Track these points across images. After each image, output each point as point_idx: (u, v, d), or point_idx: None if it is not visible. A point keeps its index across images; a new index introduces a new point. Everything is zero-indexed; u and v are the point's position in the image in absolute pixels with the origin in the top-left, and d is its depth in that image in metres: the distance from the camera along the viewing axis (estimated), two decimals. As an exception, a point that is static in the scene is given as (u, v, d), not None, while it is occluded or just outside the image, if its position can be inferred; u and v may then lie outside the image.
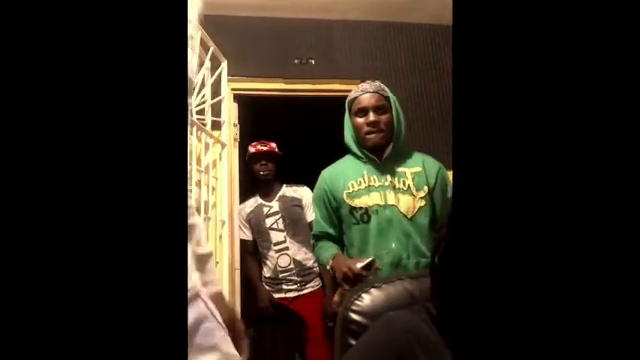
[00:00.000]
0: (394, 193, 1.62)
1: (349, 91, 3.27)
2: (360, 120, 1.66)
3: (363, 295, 0.64)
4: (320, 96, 2.99)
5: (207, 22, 2.39)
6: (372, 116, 1.64)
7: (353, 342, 0.60)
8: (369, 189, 1.63)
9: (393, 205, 1.60)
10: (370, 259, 1.48)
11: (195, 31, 0.96)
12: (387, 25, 3.10)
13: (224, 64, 2.52)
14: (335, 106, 3.19)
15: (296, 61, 2.93)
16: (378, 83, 1.73)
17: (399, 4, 2.90)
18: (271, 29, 2.94)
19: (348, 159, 1.74)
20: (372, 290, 0.64)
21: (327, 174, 1.76)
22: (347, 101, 1.73)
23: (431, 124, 2.97)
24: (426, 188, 1.64)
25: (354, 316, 0.63)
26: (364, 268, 1.46)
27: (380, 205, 1.61)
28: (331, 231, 1.71)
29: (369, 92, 1.67)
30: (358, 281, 1.45)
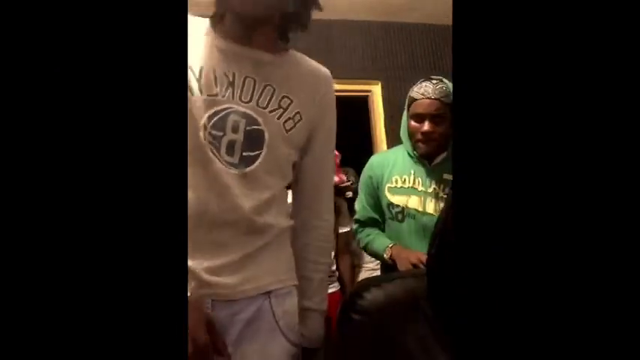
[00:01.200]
0: (435, 201, 1.54)
1: (348, 91, 3.28)
2: (415, 125, 1.55)
3: (364, 293, 0.64)
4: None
5: (206, 22, 2.40)
6: (427, 125, 1.51)
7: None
8: (411, 190, 1.57)
9: (431, 214, 1.53)
10: None
11: None
12: (386, 25, 3.11)
13: (224, 65, 2.52)
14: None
15: (296, 62, 2.93)
16: (443, 86, 1.57)
17: (398, 4, 2.91)
18: (271, 29, 2.94)
19: (400, 150, 1.65)
20: (373, 289, 0.64)
21: (376, 161, 1.69)
22: (408, 96, 1.61)
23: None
24: None
25: (355, 316, 0.63)
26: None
27: (418, 211, 1.54)
28: (377, 217, 1.66)
29: (430, 99, 1.52)
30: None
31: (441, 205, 1.52)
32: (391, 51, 3.09)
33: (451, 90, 1.56)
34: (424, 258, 1.37)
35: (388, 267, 1.57)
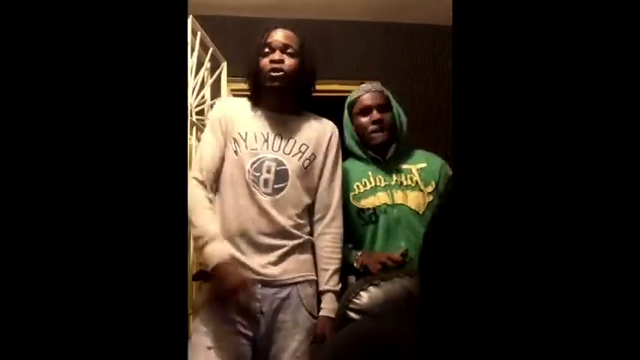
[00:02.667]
0: (401, 191, 1.62)
1: (348, 91, 3.27)
2: (364, 119, 1.66)
3: (362, 293, 0.65)
4: (319, 96, 2.99)
5: (207, 22, 2.40)
6: (376, 114, 1.64)
7: (352, 340, 0.62)
8: (375, 189, 1.63)
9: (401, 204, 1.60)
10: (405, 248, 1.50)
11: None
12: (386, 26, 3.10)
13: (224, 65, 2.52)
14: (334, 106, 3.20)
15: (295, 62, 2.94)
16: (376, 83, 1.74)
17: (398, 4, 2.91)
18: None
19: (349, 162, 1.73)
20: (371, 288, 0.65)
21: None
22: (347, 103, 1.73)
23: (430, 125, 2.97)
24: (433, 183, 1.64)
25: (353, 315, 0.64)
26: (402, 255, 1.48)
27: (388, 205, 1.61)
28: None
29: (372, 91, 1.68)
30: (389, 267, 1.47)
31: (408, 193, 1.60)
32: (391, 51, 3.09)
33: (382, 87, 1.72)
34: (394, 256, 1.47)
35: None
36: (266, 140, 1.44)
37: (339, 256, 1.49)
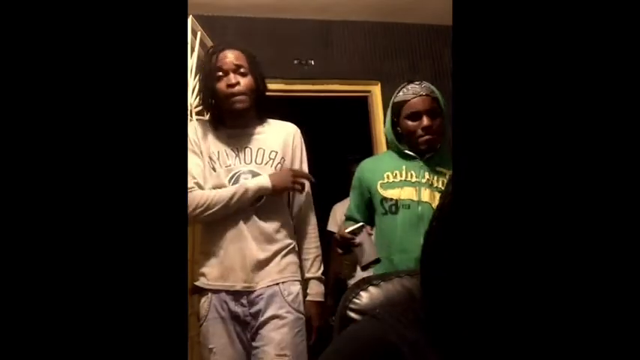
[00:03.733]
0: (430, 191, 1.61)
1: (348, 91, 3.28)
2: (412, 124, 1.63)
3: (362, 292, 0.65)
4: (319, 96, 2.99)
5: (206, 22, 2.40)
6: (426, 121, 1.60)
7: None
8: (403, 182, 1.64)
9: (426, 202, 1.59)
10: (360, 224, 1.53)
11: None
12: (386, 26, 3.11)
13: (224, 65, 2.51)
14: (334, 106, 3.20)
15: (295, 62, 2.94)
16: (427, 84, 1.68)
17: (398, 4, 2.91)
18: (271, 30, 2.95)
19: (388, 154, 1.75)
20: (370, 288, 0.65)
21: (366, 164, 1.78)
22: (393, 103, 1.69)
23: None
24: None
25: (353, 315, 0.64)
26: (352, 232, 1.51)
27: (413, 200, 1.61)
28: (358, 217, 1.72)
29: (422, 95, 1.63)
30: (347, 245, 1.54)
31: (436, 194, 1.59)
32: (391, 51, 3.09)
33: (433, 87, 1.69)
34: (342, 231, 1.53)
35: None
36: (237, 155, 1.54)
37: (317, 244, 1.64)
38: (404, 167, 1.65)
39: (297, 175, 1.54)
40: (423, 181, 1.62)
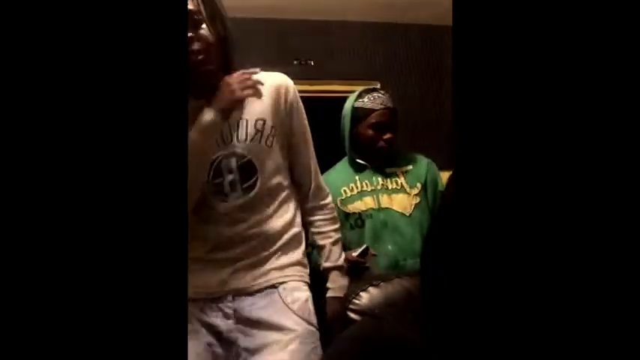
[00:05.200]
0: (387, 195, 1.65)
1: (348, 91, 3.27)
2: (373, 133, 1.65)
3: (362, 293, 0.65)
4: (319, 97, 2.99)
5: (206, 23, 2.40)
6: (388, 135, 1.64)
7: (352, 340, 0.61)
8: (361, 194, 1.66)
9: (387, 208, 1.63)
10: (364, 246, 1.52)
11: None
12: (386, 26, 3.11)
13: (223, 65, 2.52)
14: (334, 106, 3.20)
15: (295, 62, 2.94)
16: (388, 97, 1.71)
17: (398, 4, 2.91)
18: (271, 30, 2.95)
19: (339, 166, 1.76)
20: (370, 289, 0.65)
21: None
22: (354, 107, 1.69)
23: (430, 125, 2.97)
24: (419, 185, 1.67)
25: (353, 316, 0.64)
26: (359, 255, 1.49)
27: (374, 209, 1.64)
28: None
29: (389, 108, 1.67)
30: (357, 270, 1.49)
31: (393, 196, 1.63)
32: (391, 52, 3.09)
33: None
34: (349, 255, 1.47)
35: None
36: (220, 133, 1.09)
37: (335, 226, 1.28)
38: (357, 179, 1.68)
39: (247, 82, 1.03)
40: (379, 187, 1.66)
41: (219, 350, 1.08)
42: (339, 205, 1.65)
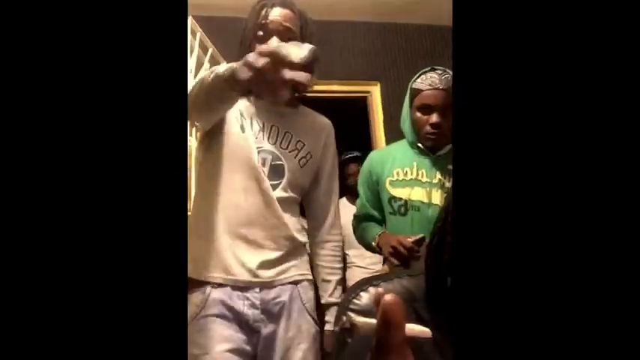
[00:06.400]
0: (442, 192, 1.49)
1: (348, 91, 3.28)
2: (422, 117, 1.50)
3: (362, 293, 0.64)
4: (319, 97, 2.99)
5: (206, 23, 2.40)
6: (435, 117, 1.47)
7: (351, 341, 0.61)
8: (414, 182, 1.51)
9: (438, 205, 1.47)
10: (421, 235, 1.37)
11: None
12: (386, 26, 3.11)
13: (223, 66, 2.52)
14: (334, 107, 3.19)
15: (295, 62, 2.94)
16: (448, 76, 1.52)
17: (398, 4, 2.91)
18: (270, 30, 2.94)
19: (401, 144, 1.62)
20: (371, 289, 0.65)
21: (376, 155, 1.66)
22: (410, 86, 1.56)
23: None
24: None
25: (353, 315, 0.63)
26: (415, 242, 1.36)
27: (423, 203, 1.49)
28: (376, 213, 1.60)
29: (438, 89, 1.47)
30: (409, 258, 1.37)
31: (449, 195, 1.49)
32: (391, 52, 3.09)
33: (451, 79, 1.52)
34: (405, 241, 1.36)
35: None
36: (261, 129, 1.23)
37: (341, 265, 1.36)
38: (415, 164, 1.52)
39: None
40: (435, 181, 1.50)
41: (242, 336, 1.14)
42: (386, 185, 1.53)
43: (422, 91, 1.50)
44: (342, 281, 1.36)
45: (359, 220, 1.66)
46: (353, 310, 0.62)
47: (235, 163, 1.19)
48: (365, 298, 0.63)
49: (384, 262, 1.54)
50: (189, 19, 2.10)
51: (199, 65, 2.27)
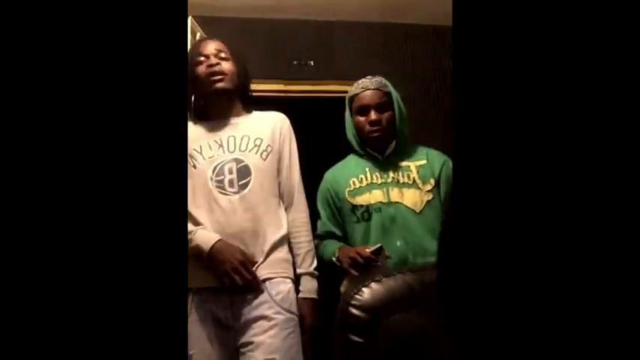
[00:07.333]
0: (398, 189, 1.57)
1: (348, 92, 3.27)
2: (361, 119, 1.62)
3: (363, 289, 0.64)
4: (319, 97, 2.99)
5: (206, 23, 2.40)
6: (373, 115, 1.60)
7: (353, 337, 0.61)
8: (370, 186, 1.60)
9: (397, 202, 1.56)
10: (379, 245, 1.46)
11: None
12: (386, 26, 3.10)
13: (223, 66, 2.52)
14: (334, 107, 3.20)
15: (295, 63, 2.94)
16: (378, 79, 1.68)
17: (398, 4, 2.91)
18: (270, 30, 2.95)
19: (350, 158, 1.71)
20: (372, 284, 0.65)
21: (330, 174, 1.72)
22: (347, 98, 1.69)
23: (430, 125, 2.96)
24: (432, 181, 1.59)
25: (354, 311, 0.63)
26: (373, 252, 1.43)
27: (383, 203, 1.57)
28: (336, 231, 1.67)
29: (370, 89, 1.63)
30: (366, 268, 1.43)
31: (404, 191, 1.56)
32: (391, 52, 3.09)
33: (385, 81, 1.68)
34: (363, 251, 1.44)
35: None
36: (220, 146, 1.46)
37: (309, 238, 1.51)
38: (367, 169, 1.62)
39: (245, 262, 1.34)
40: (389, 180, 1.59)
41: (220, 333, 1.35)
42: (346, 196, 1.61)
43: (357, 94, 1.64)
44: (311, 252, 1.49)
45: (321, 238, 1.71)
46: (355, 306, 0.62)
47: (196, 195, 1.41)
48: (366, 293, 0.63)
49: (342, 280, 1.56)
50: (189, 19, 2.09)
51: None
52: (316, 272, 1.48)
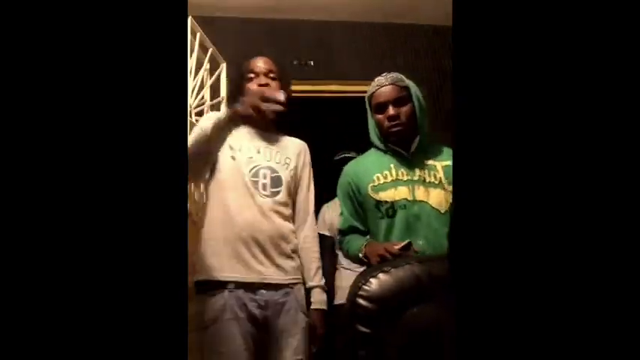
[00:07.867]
0: (424, 188, 1.55)
1: (348, 91, 3.28)
2: (380, 116, 1.60)
3: (372, 279, 0.64)
4: (319, 97, 2.99)
5: (206, 23, 2.40)
6: (391, 110, 1.57)
7: (362, 328, 0.60)
8: (396, 182, 1.56)
9: (422, 201, 1.53)
10: (408, 241, 1.43)
11: None
12: (386, 26, 3.11)
13: (223, 66, 2.52)
14: (334, 107, 3.20)
15: (295, 63, 2.94)
16: (394, 74, 1.65)
17: (398, 5, 2.91)
18: (270, 30, 2.95)
19: (371, 153, 1.68)
20: (380, 275, 0.64)
21: (351, 168, 1.69)
22: (366, 99, 1.66)
23: (430, 125, 2.96)
24: None
25: (363, 302, 0.63)
26: (402, 249, 1.40)
27: (408, 200, 1.54)
28: (359, 225, 1.64)
29: (386, 85, 1.60)
30: None
31: (430, 190, 1.54)
32: (391, 52, 3.09)
33: (402, 76, 1.64)
34: (392, 248, 1.41)
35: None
36: (258, 152, 1.61)
37: (318, 255, 1.67)
38: (392, 166, 1.59)
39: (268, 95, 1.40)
40: (415, 178, 1.56)
41: (256, 333, 1.47)
42: (369, 191, 1.57)
43: (373, 93, 1.62)
44: (321, 268, 1.65)
45: (344, 233, 1.69)
46: (363, 297, 0.61)
47: (231, 185, 1.55)
48: (374, 284, 0.62)
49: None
50: (189, 19, 2.09)
51: (199, 65, 2.27)
52: (325, 287, 1.65)
